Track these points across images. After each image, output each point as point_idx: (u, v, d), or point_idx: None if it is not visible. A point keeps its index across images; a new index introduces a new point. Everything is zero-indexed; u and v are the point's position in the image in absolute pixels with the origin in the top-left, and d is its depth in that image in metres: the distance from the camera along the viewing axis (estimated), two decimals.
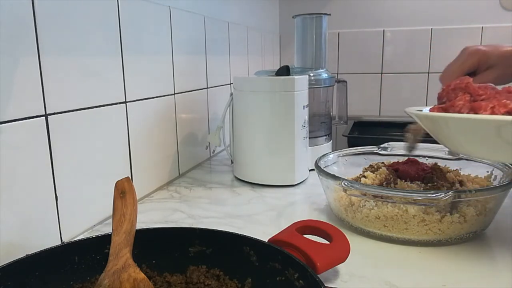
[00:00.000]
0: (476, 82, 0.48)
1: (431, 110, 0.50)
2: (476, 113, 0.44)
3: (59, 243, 0.52)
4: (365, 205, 0.54)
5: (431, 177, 0.58)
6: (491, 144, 0.44)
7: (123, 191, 0.41)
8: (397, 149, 0.72)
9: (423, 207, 0.51)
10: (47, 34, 0.49)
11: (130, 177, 0.51)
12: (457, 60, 0.57)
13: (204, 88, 0.95)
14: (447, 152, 0.69)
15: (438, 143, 0.70)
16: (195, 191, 0.76)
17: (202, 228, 0.43)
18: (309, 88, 0.79)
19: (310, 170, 0.82)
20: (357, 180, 0.62)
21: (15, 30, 0.44)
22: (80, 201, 0.56)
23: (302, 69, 0.91)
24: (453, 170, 0.63)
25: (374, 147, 0.73)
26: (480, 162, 0.64)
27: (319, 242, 0.43)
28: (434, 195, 0.49)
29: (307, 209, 0.67)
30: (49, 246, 0.39)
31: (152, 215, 0.64)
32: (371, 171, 0.63)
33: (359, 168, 0.68)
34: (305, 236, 0.44)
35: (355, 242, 0.51)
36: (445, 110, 0.47)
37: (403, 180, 0.58)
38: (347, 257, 0.44)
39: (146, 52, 0.70)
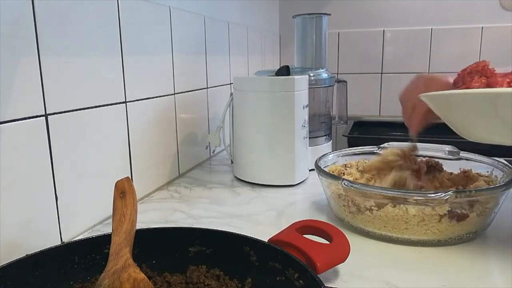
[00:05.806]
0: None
1: None
2: (492, 88, 0.43)
3: (59, 243, 0.52)
4: (365, 205, 0.54)
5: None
6: (493, 121, 0.43)
7: (123, 191, 0.41)
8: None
9: (423, 207, 0.51)
10: (47, 34, 0.49)
11: (130, 177, 0.52)
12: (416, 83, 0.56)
13: (204, 88, 0.95)
14: (447, 152, 0.69)
15: (438, 143, 0.70)
16: (195, 191, 0.76)
17: (202, 228, 0.43)
18: (309, 88, 0.79)
19: (310, 170, 0.82)
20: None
21: (15, 30, 0.44)
22: (80, 201, 0.56)
23: (302, 69, 0.91)
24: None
25: (374, 147, 0.73)
26: (480, 162, 0.64)
27: (319, 242, 0.43)
28: (434, 195, 0.49)
29: (307, 209, 0.67)
30: (49, 246, 0.39)
31: (152, 215, 0.64)
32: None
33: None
34: (305, 236, 0.44)
35: (355, 242, 0.51)
36: None
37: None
38: (347, 257, 0.44)
39: (146, 52, 0.70)
